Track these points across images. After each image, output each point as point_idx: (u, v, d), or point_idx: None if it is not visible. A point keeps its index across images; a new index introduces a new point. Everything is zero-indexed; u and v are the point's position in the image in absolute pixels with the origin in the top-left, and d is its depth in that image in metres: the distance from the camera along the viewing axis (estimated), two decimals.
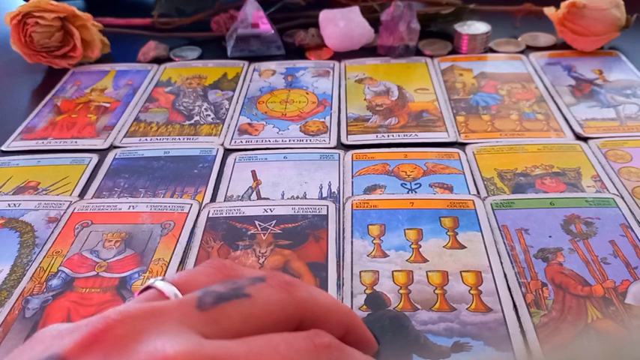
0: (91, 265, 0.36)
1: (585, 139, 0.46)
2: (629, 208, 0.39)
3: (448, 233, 0.37)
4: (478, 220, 0.38)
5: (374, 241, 0.37)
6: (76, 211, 0.41)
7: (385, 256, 0.36)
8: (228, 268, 0.26)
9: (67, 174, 0.45)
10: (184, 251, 0.37)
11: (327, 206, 0.40)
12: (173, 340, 0.20)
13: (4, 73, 0.61)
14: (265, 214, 0.40)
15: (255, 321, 0.22)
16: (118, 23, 0.65)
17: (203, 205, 0.41)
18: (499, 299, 0.33)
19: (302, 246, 0.37)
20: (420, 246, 0.36)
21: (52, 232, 0.39)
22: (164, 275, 0.35)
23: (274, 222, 0.39)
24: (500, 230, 0.37)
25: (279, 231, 0.38)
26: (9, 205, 0.42)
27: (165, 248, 0.37)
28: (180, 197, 0.42)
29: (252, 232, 0.38)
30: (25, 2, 0.58)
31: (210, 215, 0.40)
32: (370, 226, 0.38)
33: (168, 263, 0.36)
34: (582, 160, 0.44)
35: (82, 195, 0.43)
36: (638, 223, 0.38)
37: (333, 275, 0.35)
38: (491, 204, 0.39)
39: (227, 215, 0.40)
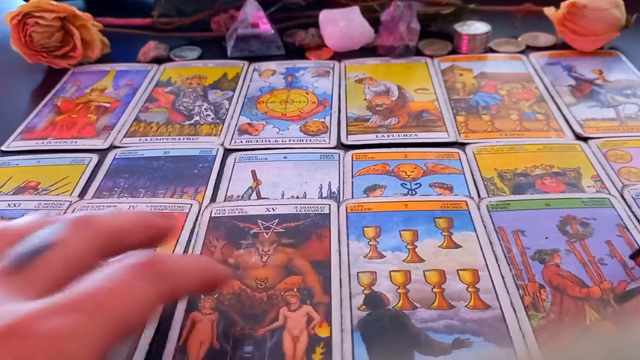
0: None
1: (585, 139, 0.46)
2: (625, 208, 0.39)
3: (443, 233, 0.37)
4: (472, 220, 0.38)
5: (370, 243, 0.37)
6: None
7: (382, 257, 0.36)
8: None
9: (67, 174, 0.45)
10: (184, 251, 0.37)
11: (329, 205, 0.40)
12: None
13: (4, 73, 0.61)
14: (268, 213, 0.40)
15: (73, 264, 0.23)
16: (118, 23, 0.65)
17: (205, 204, 0.41)
18: (496, 296, 0.33)
19: (305, 244, 0.37)
20: (416, 246, 0.36)
21: None
22: None
23: (277, 221, 0.39)
24: (496, 232, 0.37)
25: (281, 230, 0.38)
26: (9, 205, 0.42)
27: (165, 248, 0.37)
28: (180, 197, 0.42)
29: (254, 231, 0.38)
30: (25, 2, 0.58)
31: (213, 215, 0.40)
32: (365, 228, 0.38)
33: None
34: (582, 160, 0.44)
35: (82, 195, 0.43)
36: (633, 223, 0.37)
37: (336, 273, 0.35)
38: (487, 205, 0.39)
39: (230, 215, 0.40)
